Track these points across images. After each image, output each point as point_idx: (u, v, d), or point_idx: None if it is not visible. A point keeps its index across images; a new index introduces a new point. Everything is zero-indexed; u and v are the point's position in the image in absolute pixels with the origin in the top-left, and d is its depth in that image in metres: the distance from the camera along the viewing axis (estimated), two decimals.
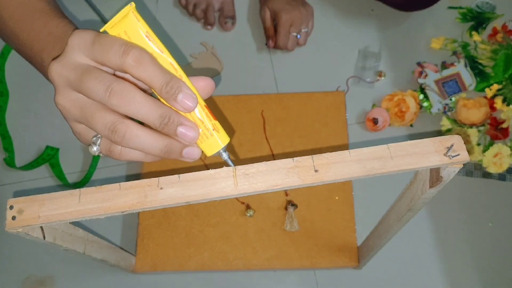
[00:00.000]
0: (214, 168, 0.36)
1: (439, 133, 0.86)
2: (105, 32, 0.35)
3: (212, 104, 0.86)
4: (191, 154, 0.37)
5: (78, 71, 0.35)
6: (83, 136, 0.38)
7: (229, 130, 0.85)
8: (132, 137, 0.34)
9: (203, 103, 0.36)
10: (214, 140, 0.37)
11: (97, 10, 0.98)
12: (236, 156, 0.83)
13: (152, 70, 0.33)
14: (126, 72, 0.34)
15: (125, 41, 0.33)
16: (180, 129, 0.34)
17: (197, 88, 0.36)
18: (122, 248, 0.78)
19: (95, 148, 0.37)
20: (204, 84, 0.37)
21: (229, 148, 0.84)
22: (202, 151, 0.37)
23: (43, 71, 0.44)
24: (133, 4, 0.34)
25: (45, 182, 0.86)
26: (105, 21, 0.96)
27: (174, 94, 0.34)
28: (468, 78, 0.85)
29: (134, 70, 0.33)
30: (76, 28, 0.43)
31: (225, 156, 0.38)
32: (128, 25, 0.34)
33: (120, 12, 0.34)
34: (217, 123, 0.37)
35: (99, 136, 0.37)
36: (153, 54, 0.34)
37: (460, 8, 0.94)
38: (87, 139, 0.38)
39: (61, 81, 0.36)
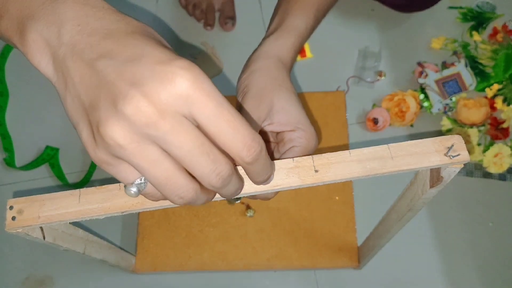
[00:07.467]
0: None
1: (440, 133, 0.85)
2: None
3: None
4: None
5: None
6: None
7: None
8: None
9: None
10: None
11: None
12: None
13: None
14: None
15: None
16: None
17: None
18: (122, 248, 0.78)
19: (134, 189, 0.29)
20: None
21: None
22: None
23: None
24: None
25: (45, 182, 0.86)
26: None
27: None
28: (468, 78, 0.85)
29: None
30: None
31: None
32: None
33: None
34: None
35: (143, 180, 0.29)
36: None
37: (461, 8, 0.94)
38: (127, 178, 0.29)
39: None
